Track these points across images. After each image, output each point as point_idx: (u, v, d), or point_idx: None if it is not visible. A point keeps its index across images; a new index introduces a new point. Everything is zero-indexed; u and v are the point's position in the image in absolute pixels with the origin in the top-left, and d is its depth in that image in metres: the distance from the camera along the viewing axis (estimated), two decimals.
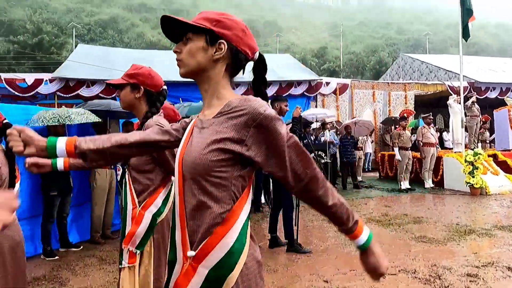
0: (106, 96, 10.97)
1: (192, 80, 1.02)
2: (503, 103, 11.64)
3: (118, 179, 5.07)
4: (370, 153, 13.25)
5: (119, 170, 6.00)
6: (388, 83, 14.61)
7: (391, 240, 4.32)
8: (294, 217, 4.06)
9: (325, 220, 5.25)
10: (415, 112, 13.55)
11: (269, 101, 4.64)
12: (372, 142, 13.37)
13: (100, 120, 4.22)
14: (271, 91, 12.50)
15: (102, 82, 10.87)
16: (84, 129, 4.75)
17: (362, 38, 51.26)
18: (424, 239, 4.20)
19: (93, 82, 10.85)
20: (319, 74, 36.52)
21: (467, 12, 8.01)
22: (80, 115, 3.94)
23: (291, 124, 4.02)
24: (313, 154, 8.40)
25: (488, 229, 4.55)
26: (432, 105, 16.30)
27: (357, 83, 14.22)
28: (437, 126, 15.94)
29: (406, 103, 14.28)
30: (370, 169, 13.12)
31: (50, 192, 4.00)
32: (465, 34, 8.16)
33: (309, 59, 39.43)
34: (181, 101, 6.09)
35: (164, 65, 13.49)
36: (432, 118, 9.08)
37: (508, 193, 7.31)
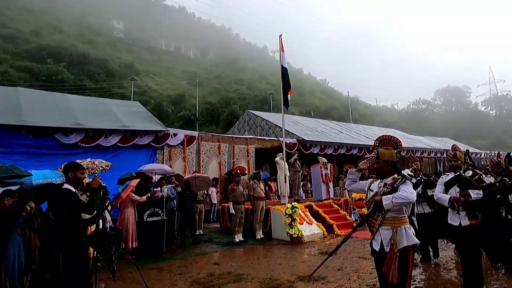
0: None
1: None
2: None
3: None
4: (215, 204, 13.70)
5: None
6: (232, 137, 15.82)
7: None
8: None
9: None
10: (245, 168, 14.84)
11: (62, 168, 4.21)
12: (217, 193, 13.93)
13: None
14: (113, 140, 11.75)
15: None
16: None
17: (218, 90, 54.97)
18: None
19: None
20: (174, 121, 36.81)
21: (286, 86, 9.61)
22: None
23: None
24: (149, 211, 8.07)
25: (292, 281, 5.14)
26: (271, 157, 18.46)
27: (204, 135, 14.88)
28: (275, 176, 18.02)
29: (248, 156, 15.70)
30: (216, 219, 13.47)
31: None
32: (286, 103, 9.70)
33: (166, 105, 39.49)
34: None
35: None
36: (261, 174, 10.12)
37: (318, 239, 8.62)
